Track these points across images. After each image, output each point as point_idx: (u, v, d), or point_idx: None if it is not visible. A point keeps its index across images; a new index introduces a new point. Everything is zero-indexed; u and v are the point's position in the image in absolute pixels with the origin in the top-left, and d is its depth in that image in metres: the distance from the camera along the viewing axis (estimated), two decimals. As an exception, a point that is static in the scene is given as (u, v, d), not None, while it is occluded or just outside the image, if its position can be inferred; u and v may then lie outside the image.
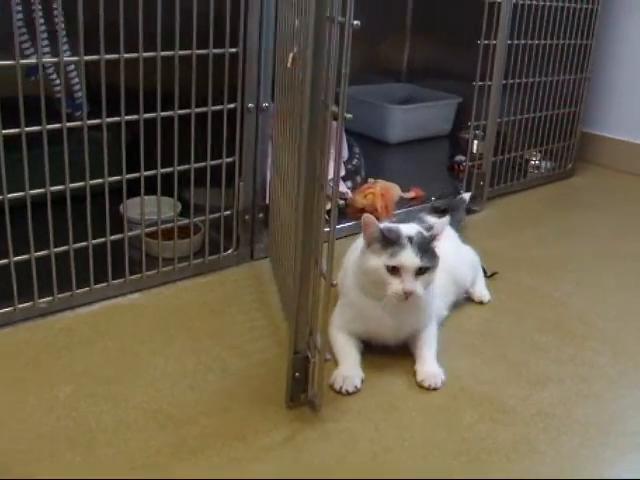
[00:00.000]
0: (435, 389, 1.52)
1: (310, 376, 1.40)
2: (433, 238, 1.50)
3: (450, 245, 1.84)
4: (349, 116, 1.20)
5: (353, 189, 2.35)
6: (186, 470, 1.26)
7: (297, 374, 1.40)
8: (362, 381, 1.51)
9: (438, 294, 1.70)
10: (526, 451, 1.36)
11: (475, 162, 2.51)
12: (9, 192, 1.55)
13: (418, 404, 1.48)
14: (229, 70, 1.78)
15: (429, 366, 1.55)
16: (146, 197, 1.81)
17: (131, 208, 1.87)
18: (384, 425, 1.41)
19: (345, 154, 2.45)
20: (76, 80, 1.74)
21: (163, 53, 1.67)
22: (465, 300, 1.88)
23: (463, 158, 2.62)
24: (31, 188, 1.58)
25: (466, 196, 2.28)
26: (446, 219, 1.56)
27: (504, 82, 2.42)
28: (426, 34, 3.39)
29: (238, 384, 1.51)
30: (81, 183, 1.65)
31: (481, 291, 1.90)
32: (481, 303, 1.88)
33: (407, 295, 1.47)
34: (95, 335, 1.65)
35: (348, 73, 1.18)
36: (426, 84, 3.33)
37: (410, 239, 1.48)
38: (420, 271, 1.48)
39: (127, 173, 1.72)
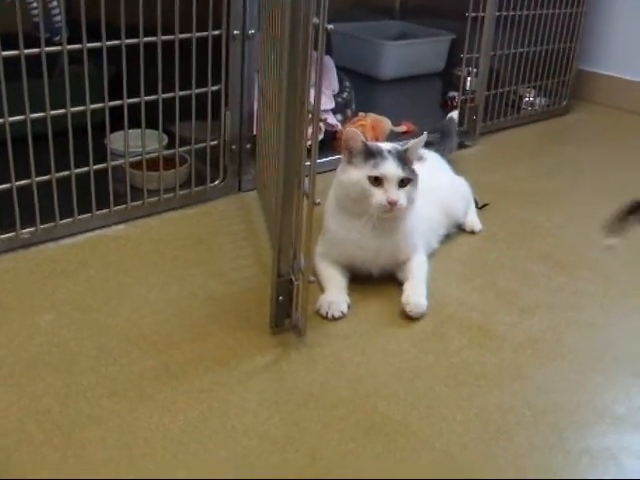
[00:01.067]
0: (417, 319, 1.50)
1: (294, 300, 1.38)
2: (407, 151, 1.50)
3: (443, 176, 1.82)
4: (330, 27, 1.16)
5: (343, 122, 2.30)
6: (168, 394, 1.24)
7: (281, 298, 1.38)
8: (348, 307, 1.49)
9: (429, 227, 1.67)
10: (514, 376, 1.35)
11: (468, 97, 2.46)
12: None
13: (405, 330, 1.46)
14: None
15: (414, 295, 1.52)
16: (131, 130, 1.76)
17: (116, 141, 1.83)
18: (371, 350, 1.40)
19: (335, 87, 2.40)
20: (54, 3, 1.68)
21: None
22: (457, 230, 1.85)
23: (456, 94, 2.56)
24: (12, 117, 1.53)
25: (454, 115, 2.20)
26: (424, 136, 1.54)
27: (498, 14, 2.35)
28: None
29: (223, 311, 1.49)
30: (62, 111, 1.60)
31: (473, 220, 1.87)
32: (472, 233, 1.86)
33: (391, 205, 1.45)
34: (78, 265, 1.62)
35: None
36: (420, 21, 3.25)
37: (390, 152, 1.48)
38: (402, 183, 1.47)
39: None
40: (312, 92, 1.22)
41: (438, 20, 3.12)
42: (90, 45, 1.57)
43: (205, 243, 1.75)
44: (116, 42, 1.62)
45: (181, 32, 1.69)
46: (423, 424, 1.21)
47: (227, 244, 1.75)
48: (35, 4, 1.53)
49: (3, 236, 1.63)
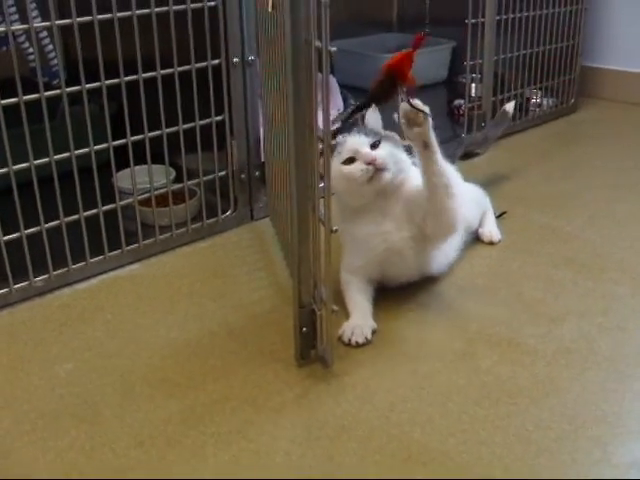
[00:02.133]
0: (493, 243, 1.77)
1: (318, 330, 1.34)
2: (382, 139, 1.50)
3: None
4: (333, 49, 1.13)
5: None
6: (196, 438, 1.20)
7: (304, 329, 1.34)
8: (374, 331, 1.45)
9: None
10: (550, 390, 1.30)
11: (474, 104, 2.43)
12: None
13: (434, 351, 1.42)
14: (210, 25, 1.70)
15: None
16: (137, 167, 1.74)
17: (123, 179, 1.81)
18: (400, 375, 1.35)
19: (340, 105, 2.38)
20: (50, 47, 1.67)
21: (138, 12, 1.59)
22: (475, 241, 1.81)
23: (462, 102, 2.54)
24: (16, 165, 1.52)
25: (510, 107, 2.16)
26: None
27: (498, 18, 2.32)
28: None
29: (245, 346, 1.45)
30: (66, 154, 1.58)
31: (491, 231, 1.83)
32: (491, 243, 1.81)
33: (372, 164, 1.44)
34: (94, 309, 1.59)
35: (328, 3, 1.11)
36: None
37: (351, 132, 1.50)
38: (373, 146, 1.47)
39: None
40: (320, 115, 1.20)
41: (437, 29, 3.09)
42: (89, 86, 1.55)
43: (221, 276, 1.72)
44: (115, 80, 1.60)
45: (180, 64, 1.68)
46: (461, 449, 1.17)
47: (243, 275, 1.71)
48: (31, 49, 1.50)
49: (17, 286, 1.60)
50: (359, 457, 1.16)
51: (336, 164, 1.46)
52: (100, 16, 1.53)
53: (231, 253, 1.82)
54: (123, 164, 1.73)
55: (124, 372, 1.38)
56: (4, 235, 1.55)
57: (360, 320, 1.46)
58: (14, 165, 1.51)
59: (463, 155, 2.35)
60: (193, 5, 1.66)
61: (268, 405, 1.28)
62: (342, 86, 2.97)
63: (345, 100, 2.42)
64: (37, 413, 1.27)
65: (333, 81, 2.46)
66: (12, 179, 1.51)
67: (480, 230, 1.82)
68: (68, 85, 1.53)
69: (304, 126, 1.21)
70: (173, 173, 1.94)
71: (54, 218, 1.60)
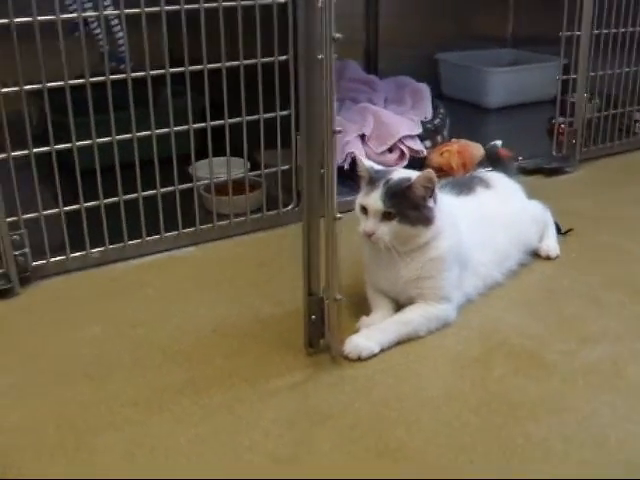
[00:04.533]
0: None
1: (326, 318, 1.35)
2: (408, 187, 1.39)
3: (512, 202, 1.71)
4: (338, 35, 1.14)
5: (432, 148, 2.26)
6: (186, 406, 1.24)
7: (313, 317, 1.35)
8: (373, 355, 1.38)
9: (490, 260, 1.59)
10: (556, 408, 1.24)
11: (567, 121, 2.33)
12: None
13: (448, 354, 1.39)
14: (278, 22, 1.75)
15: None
16: (215, 158, 1.83)
17: (199, 169, 1.91)
18: (405, 374, 1.33)
19: (429, 114, 2.35)
20: (120, 34, 1.78)
21: (206, 5, 1.67)
22: (533, 256, 1.74)
23: (562, 119, 2.44)
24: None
25: (498, 143, 1.95)
26: (429, 171, 1.40)
27: (597, 32, 2.22)
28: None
29: (265, 330, 1.48)
30: (147, 132, 1.70)
31: (549, 246, 1.75)
32: (548, 258, 1.74)
33: (366, 235, 1.40)
34: (140, 284, 1.68)
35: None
36: (533, 49, 3.14)
37: (386, 183, 1.40)
38: (388, 216, 1.39)
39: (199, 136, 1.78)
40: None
41: (552, 47, 2.99)
42: (154, 72, 1.65)
43: (267, 265, 1.75)
44: (199, 67, 1.70)
45: (246, 58, 1.74)
46: (439, 452, 1.14)
47: (288, 267, 1.74)
48: (101, 35, 1.61)
49: (73, 255, 1.71)
50: (333, 445, 1.16)
51: (360, 194, 1.44)
52: (167, 7, 1.62)
53: (284, 245, 1.86)
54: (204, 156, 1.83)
55: (144, 340, 1.45)
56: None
57: (375, 319, 1.45)
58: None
59: (550, 169, 2.28)
60: (261, 1, 1.72)
61: (265, 387, 1.30)
62: (446, 97, 2.96)
63: (435, 109, 2.39)
64: (56, 368, 1.37)
65: (425, 89, 2.45)
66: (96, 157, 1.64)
67: (538, 245, 1.75)
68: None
69: (314, 120, 1.22)
70: (248, 165, 2.00)
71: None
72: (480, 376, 1.32)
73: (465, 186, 1.65)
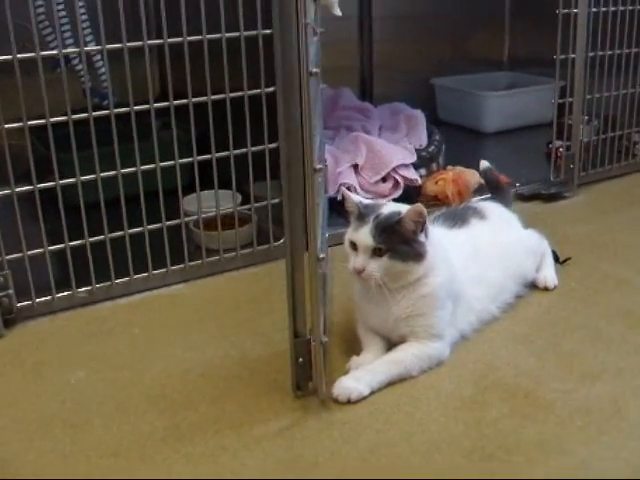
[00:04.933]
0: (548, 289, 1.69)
1: (313, 361, 1.30)
2: (398, 222, 1.35)
3: (507, 233, 1.66)
4: (316, 70, 1.10)
5: (427, 176, 2.21)
6: (167, 456, 1.20)
7: (300, 359, 1.31)
8: (363, 397, 1.33)
9: (486, 295, 1.54)
10: (553, 451, 1.19)
11: (564, 145, 2.29)
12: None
13: (441, 396, 1.34)
14: (264, 53, 1.72)
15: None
16: (206, 192, 1.81)
17: (188, 203, 1.87)
18: (396, 417, 1.28)
19: (424, 141, 2.32)
20: (103, 70, 1.75)
21: (190, 38, 1.64)
22: (530, 287, 1.70)
23: (560, 143, 2.40)
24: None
25: (484, 163, 1.89)
26: (419, 205, 1.35)
27: (592, 54, 2.19)
28: (526, 20, 3.18)
29: (253, 372, 1.43)
30: (132, 169, 1.67)
31: (546, 276, 1.70)
32: (546, 289, 1.69)
33: (356, 272, 1.35)
34: (126, 324, 1.63)
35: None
36: (530, 71, 3.10)
37: (376, 217, 1.36)
38: (378, 252, 1.34)
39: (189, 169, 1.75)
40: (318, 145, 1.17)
41: (549, 69, 2.96)
42: (138, 108, 1.62)
43: (257, 302, 1.71)
44: (184, 101, 1.67)
45: (233, 91, 1.71)
46: (430, 503, 1.09)
47: (279, 303, 1.67)
48: (83, 72, 1.59)
49: (59, 295, 1.67)
50: (320, 496, 1.11)
51: (349, 229, 1.40)
52: (150, 42, 1.60)
53: (276, 281, 1.80)
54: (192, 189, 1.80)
55: (128, 385, 1.40)
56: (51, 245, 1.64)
57: (365, 360, 1.40)
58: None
59: (549, 195, 2.24)
60: (246, 33, 1.69)
61: (250, 433, 1.25)
62: (443, 122, 2.93)
63: (430, 136, 2.35)
64: (36, 415, 1.32)
65: (420, 116, 2.41)
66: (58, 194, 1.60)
67: (535, 275, 1.70)
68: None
69: (295, 156, 1.18)
70: (239, 198, 1.97)
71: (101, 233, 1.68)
72: (474, 418, 1.27)
73: (459, 218, 1.61)
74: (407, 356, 1.40)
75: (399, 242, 1.35)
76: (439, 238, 1.44)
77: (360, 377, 1.35)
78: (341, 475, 1.15)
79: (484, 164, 1.85)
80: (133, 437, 1.25)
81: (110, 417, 1.31)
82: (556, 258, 1.78)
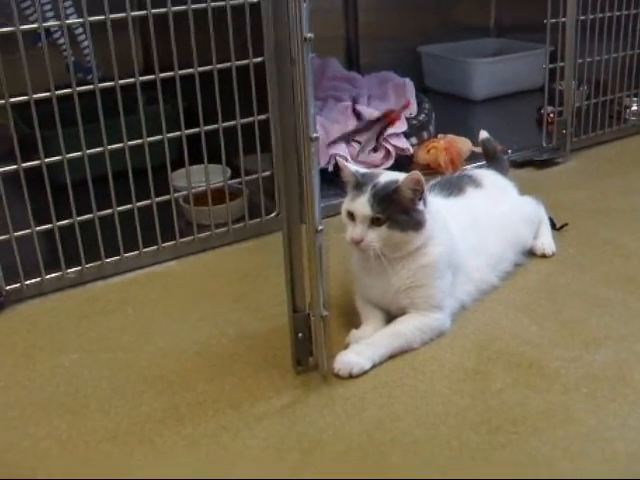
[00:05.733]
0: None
1: (313, 336, 1.28)
2: (395, 190, 1.32)
3: (504, 202, 1.64)
4: (310, 35, 1.06)
5: (419, 145, 2.18)
6: (168, 438, 1.17)
7: (300, 335, 1.28)
8: (364, 372, 1.31)
9: (485, 264, 1.52)
10: (560, 421, 1.17)
11: (556, 110, 2.27)
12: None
13: (443, 368, 1.32)
14: (251, 22, 1.67)
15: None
16: (195, 166, 1.77)
17: (178, 178, 1.84)
18: (399, 391, 1.26)
19: (414, 110, 2.28)
20: (85, 43, 1.69)
21: (175, 8, 1.59)
22: (527, 254, 1.67)
23: (550, 109, 2.37)
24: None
25: (484, 133, 1.86)
26: (415, 172, 1.32)
27: (583, 18, 2.15)
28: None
29: (250, 349, 1.40)
30: (119, 145, 1.62)
31: (544, 243, 1.68)
32: (544, 256, 1.67)
33: (354, 242, 1.33)
34: (119, 303, 1.60)
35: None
36: (518, 37, 3.06)
37: (374, 187, 1.32)
38: (377, 222, 1.32)
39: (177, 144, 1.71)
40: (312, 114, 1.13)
41: (537, 34, 2.92)
42: (123, 82, 1.57)
43: (251, 277, 1.68)
44: (170, 74, 1.62)
45: (221, 62, 1.66)
46: (439, 477, 1.07)
47: (273, 277, 1.66)
48: (65, 45, 1.53)
49: (49, 276, 1.63)
50: (325, 474, 1.09)
51: (346, 199, 1.37)
52: (134, 13, 1.54)
53: (269, 254, 1.78)
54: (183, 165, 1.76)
55: (124, 366, 1.37)
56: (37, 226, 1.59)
57: (365, 332, 1.38)
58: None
59: (541, 161, 2.21)
60: (233, 2, 1.64)
61: (251, 411, 1.23)
62: (431, 90, 2.89)
63: (420, 104, 2.32)
64: (30, 400, 1.29)
65: (409, 84, 2.37)
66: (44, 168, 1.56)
67: (533, 242, 1.68)
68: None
69: (288, 123, 1.14)
70: (229, 172, 1.93)
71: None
72: (479, 390, 1.25)
73: (455, 186, 1.58)
74: (408, 328, 1.37)
75: (398, 211, 1.32)
76: (437, 207, 1.42)
77: (361, 351, 1.33)
78: (347, 452, 1.12)
79: (483, 134, 1.82)
80: (131, 420, 1.22)
81: (107, 400, 1.28)
82: (553, 224, 1.76)
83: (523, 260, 1.64)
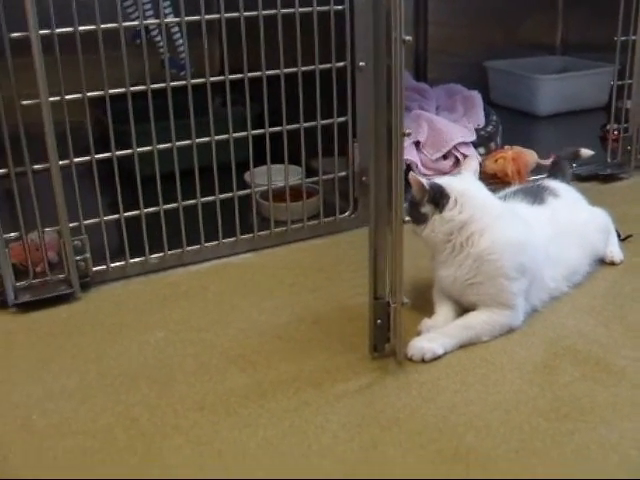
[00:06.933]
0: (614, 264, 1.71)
1: (392, 323, 1.34)
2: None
3: (580, 211, 1.69)
4: (408, 38, 1.13)
5: (486, 155, 2.24)
6: (253, 411, 1.24)
7: (379, 321, 1.34)
8: (436, 357, 1.38)
9: (561, 275, 1.57)
10: (627, 414, 1.22)
11: (621, 127, 2.30)
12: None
13: (514, 360, 1.37)
14: (335, 28, 1.76)
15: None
16: (273, 165, 1.84)
17: (256, 175, 1.91)
18: (471, 379, 1.32)
19: (481, 121, 2.34)
20: (180, 42, 1.80)
21: (265, 12, 1.68)
22: (596, 261, 1.71)
23: (614, 126, 2.40)
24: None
25: (587, 152, 1.95)
26: (413, 181, 1.43)
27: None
28: (580, 4, 3.17)
29: (328, 335, 1.47)
30: (206, 139, 1.72)
31: (613, 251, 1.72)
32: (612, 264, 1.71)
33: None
34: (199, 288, 1.68)
35: None
36: (584, 55, 3.10)
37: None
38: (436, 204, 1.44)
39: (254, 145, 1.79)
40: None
41: (602, 53, 2.96)
42: (214, 79, 1.66)
43: (325, 271, 1.75)
44: (258, 74, 1.72)
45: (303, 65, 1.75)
46: (510, 457, 1.12)
47: (347, 273, 1.74)
48: (162, 43, 1.63)
49: (132, 260, 1.73)
50: (403, 449, 1.15)
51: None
52: (227, 15, 1.64)
53: (342, 252, 1.85)
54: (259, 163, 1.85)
55: (207, 345, 1.45)
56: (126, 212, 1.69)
57: (437, 321, 1.45)
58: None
59: (605, 176, 2.25)
60: (319, 8, 1.73)
61: (331, 391, 1.30)
62: (496, 105, 2.94)
63: (487, 116, 2.38)
64: (120, 370, 1.38)
65: (477, 96, 2.44)
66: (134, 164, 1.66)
67: (603, 251, 1.72)
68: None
69: (382, 124, 1.22)
70: (302, 172, 2.00)
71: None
72: (548, 381, 1.30)
73: (536, 195, 1.63)
74: (478, 322, 1.43)
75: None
76: (489, 204, 1.47)
77: (433, 338, 1.39)
78: (423, 431, 1.18)
79: (586, 152, 1.92)
80: (216, 393, 1.30)
81: (192, 374, 1.36)
82: (618, 235, 1.80)
83: (592, 267, 1.68)
